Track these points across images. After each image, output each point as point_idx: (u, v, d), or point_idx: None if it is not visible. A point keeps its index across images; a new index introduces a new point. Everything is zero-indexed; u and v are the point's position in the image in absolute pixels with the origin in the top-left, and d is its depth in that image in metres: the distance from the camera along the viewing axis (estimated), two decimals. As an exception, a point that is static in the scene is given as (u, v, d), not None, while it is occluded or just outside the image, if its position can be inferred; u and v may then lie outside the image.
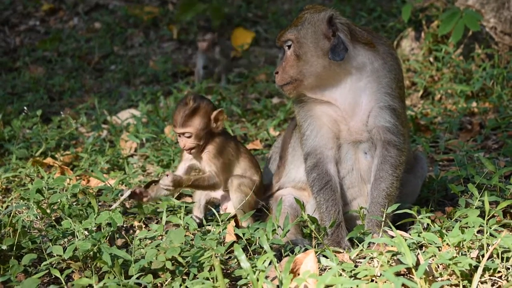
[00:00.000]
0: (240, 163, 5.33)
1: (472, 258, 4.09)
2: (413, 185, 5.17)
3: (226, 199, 5.33)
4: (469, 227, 4.35)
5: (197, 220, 5.30)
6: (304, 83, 4.69)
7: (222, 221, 4.91)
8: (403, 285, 3.84)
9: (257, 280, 3.81)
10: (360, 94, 4.69)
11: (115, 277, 4.20)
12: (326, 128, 4.76)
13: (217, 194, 5.38)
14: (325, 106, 4.75)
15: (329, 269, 4.28)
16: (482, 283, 4.02)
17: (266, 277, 3.99)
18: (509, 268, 4.09)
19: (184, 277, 4.29)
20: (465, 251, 4.19)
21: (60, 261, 4.51)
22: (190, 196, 5.87)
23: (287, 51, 4.72)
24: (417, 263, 3.90)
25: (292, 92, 4.74)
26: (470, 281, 3.92)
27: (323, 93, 4.72)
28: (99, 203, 5.71)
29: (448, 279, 3.99)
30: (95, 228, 4.83)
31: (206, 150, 5.27)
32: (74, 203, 5.44)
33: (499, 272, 4.08)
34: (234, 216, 5.04)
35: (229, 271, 4.51)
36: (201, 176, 5.26)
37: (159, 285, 4.27)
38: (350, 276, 4.05)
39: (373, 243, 4.42)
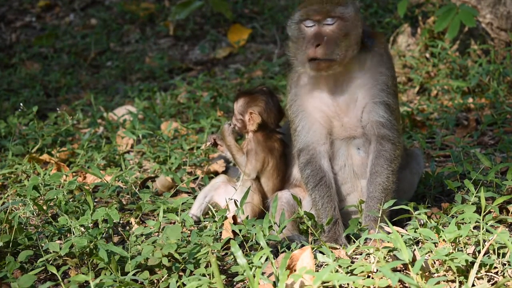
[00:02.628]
0: (270, 177, 5.30)
1: (468, 254, 4.09)
2: (409, 182, 5.17)
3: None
4: (465, 223, 4.36)
5: (195, 218, 5.30)
6: (337, 66, 4.61)
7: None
8: (399, 281, 3.85)
9: (254, 276, 3.81)
10: (355, 91, 4.69)
11: (111, 273, 4.21)
12: (318, 124, 4.75)
13: (221, 199, 5.37)
14: (318, 101, 4.74)
15: (325, 265, 4.29)
16: (478, 279, 4.02)
17: (263, 273, 3.99)
18: (505, 264, 4.09)
19: (181, 273, 4.30)
20: (462, 247, 4.19)
21: (57, 257, 4.51)
22: (188, 193, 5.87)
23: (328, 27, 4.61)
24: (414, 259, 3.90)
25: (326, 69, 4.60)
26: (466, 277, 3.93)
27: (326, 84, 4.72)
28: (96, 200, 5.71)
29: (445, 275, 4.00)
30: (91, 224, 4.83)
31: (247, 136, 5.30)
32: (71, 200, 5.44)
33: (495, 268, 4.08)
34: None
35: (225, 267, 4.52)
36: (240, 148, 5.29)
37: (155, 281, 4.27)
38: (347, 272, 4.06)
39: (370, 239, 4.42)
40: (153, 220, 5.31)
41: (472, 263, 3.97)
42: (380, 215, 4.61)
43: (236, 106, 5.31)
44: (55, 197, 5.27)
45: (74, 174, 6.21)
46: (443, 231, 4.23)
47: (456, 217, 4.42)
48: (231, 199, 5.09)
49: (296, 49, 4.71)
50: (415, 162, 5.22)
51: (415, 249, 4.17)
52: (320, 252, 4.29)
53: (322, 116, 4.73)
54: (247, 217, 5.10)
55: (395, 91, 4.80)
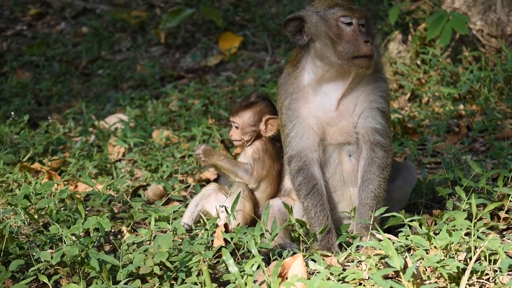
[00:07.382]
0: (272, 182, 5.32)
1: (459, 260, 4.10)
2: (403, 192, 5.18)
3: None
4: (456, 229, 4.36)
5: (186, 227, 5.29)
6: (373, 67, 4.66)
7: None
8: (391, 288, 3.85)
9: (245, 284, 3.81)
10: (357, 95, 4.70)
11: (103, 282, 4.20)
12: (312, 131, 4.74)
13: (212, 207, 5.35)
14: (314, 106, 4.72)
15: (317, 273, 4.29)
16: (469, 285, 4.03)
17: (254, 281, 3.99)
18: (496, 271, 4.10)
19: (172, 282, 4.29)
20: (453, 254, 4.20)
21: (48, 266, 4.50)
22: (179, 201, 5.86)
23: (363, 28, 4.63)
24: (405, 266, 3.91)
25: (371, 68, 4.63)
26: (458, 284, 3.93)
27: (334, 86, 4.72)
28: (87, 208, 5.69)
29: (436, 282, 4.00)
30: (82, 233, 4.82)
31: (253, 145, 5.32)
32: (62, 209, 5.43)
33: (486, 274, 4.09)
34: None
35: (217, 275, 4.51)
36: (237, 160, 5.30)
37: (147, 290, 4.27)
38: (338, 280, 4.06)
39: (361, 246, 4.42)
40: (145, 228, 5.30)
41: (464, 270, 3.97)
42: (371, 223, 4.61)
43: (241, 120, 5.29)
44: (47, 206, 5.26)
45: (65, 182, 6.19)
46: (434, 238, 4.23)
47: (448, 224, 4.43)
48: (222, 207, 5.09)
49: (327, 46, 4.62)
50: (408, 173, 5.23)
51: (406, 256, 4.17)
52: (312, 259, 4.29)
53: (316, 123, 4.72)
54: (238, 225, 5.09)
55: (390, 99, 4.84)
